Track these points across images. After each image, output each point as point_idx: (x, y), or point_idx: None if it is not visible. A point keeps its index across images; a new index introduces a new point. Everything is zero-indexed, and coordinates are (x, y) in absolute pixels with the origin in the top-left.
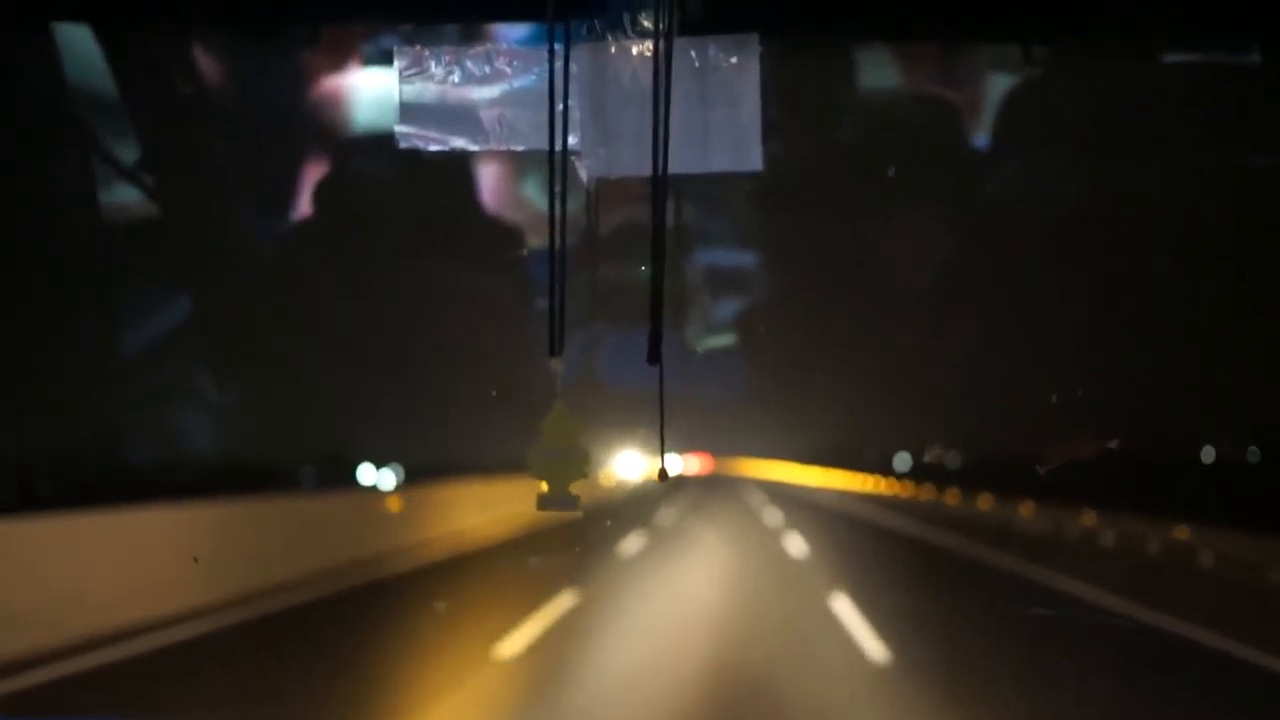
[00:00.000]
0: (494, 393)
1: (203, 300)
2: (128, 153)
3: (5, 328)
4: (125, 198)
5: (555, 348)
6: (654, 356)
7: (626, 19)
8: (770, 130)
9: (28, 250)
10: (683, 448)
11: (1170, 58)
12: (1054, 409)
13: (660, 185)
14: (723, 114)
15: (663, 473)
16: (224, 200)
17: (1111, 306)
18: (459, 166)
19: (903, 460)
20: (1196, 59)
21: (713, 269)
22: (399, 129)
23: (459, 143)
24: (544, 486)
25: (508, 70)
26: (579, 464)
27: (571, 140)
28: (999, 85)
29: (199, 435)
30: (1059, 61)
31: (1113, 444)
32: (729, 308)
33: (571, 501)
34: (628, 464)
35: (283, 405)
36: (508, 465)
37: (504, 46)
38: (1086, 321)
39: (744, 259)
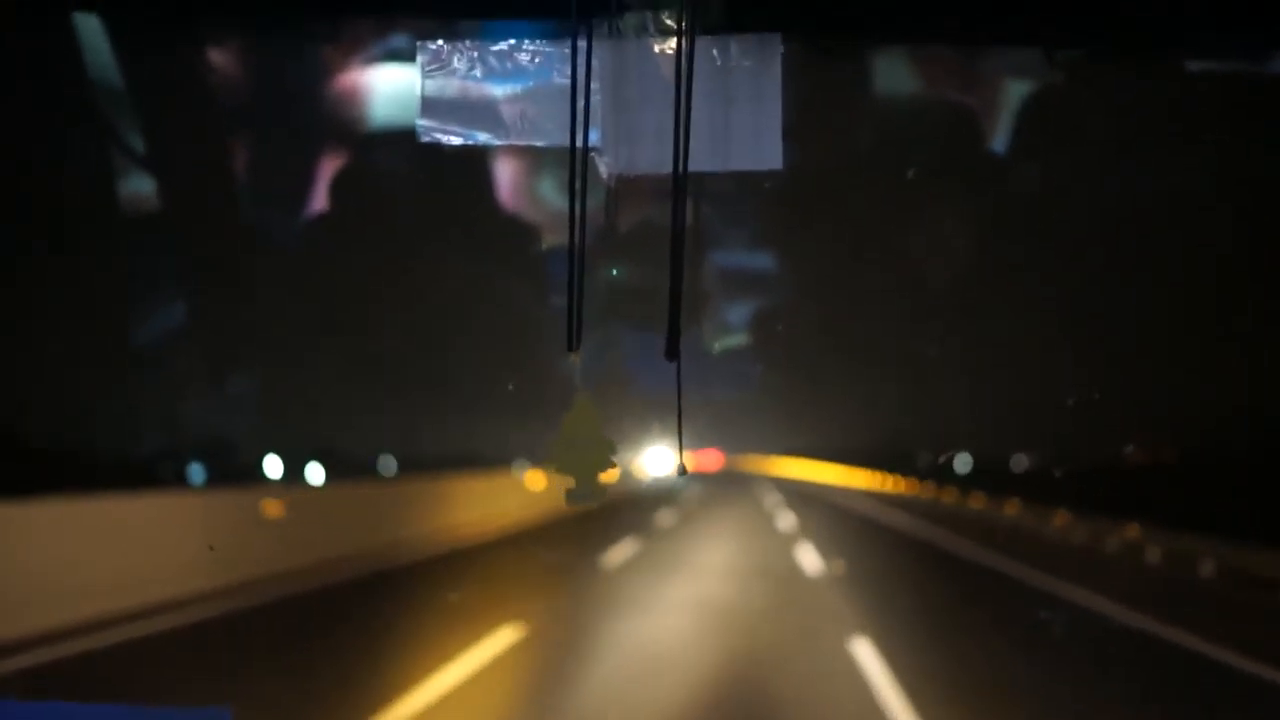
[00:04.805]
0: (511, 386)
1: (217, 294)
2: (146, 145)
3: (21, 316)
4: (143, 189)
5: (573, 343)
6: (672, 353)
7: (649, 17)
8: (789, 132)
9: (46, 239)
10: (695, 445)
11: (1192, 66)
12: (1068, 413)
13: (680, 183)
14: (744, 113)
15: (681, 467)
16: (241, 194)
17: (1130, 311)
18: (477, 164)
19: (909, 458)
20: (1218, 67)
21: (728, 271)
22: (420, 123)
23: (480, 137)
24: (571, 481)
25: (530, 67)
26: (605, 454)
27: (592, 137)
28: (1019, 90)
29: (213, 425)
30: (1079, 68)
31: (1129, 449)
32: (744, 309)
33: (600, 492)
34: (657, 460)
35: (295, 399)
36: (524, 456)
37: (526, 43)
38: (1102, 324)
39: (759, 261)
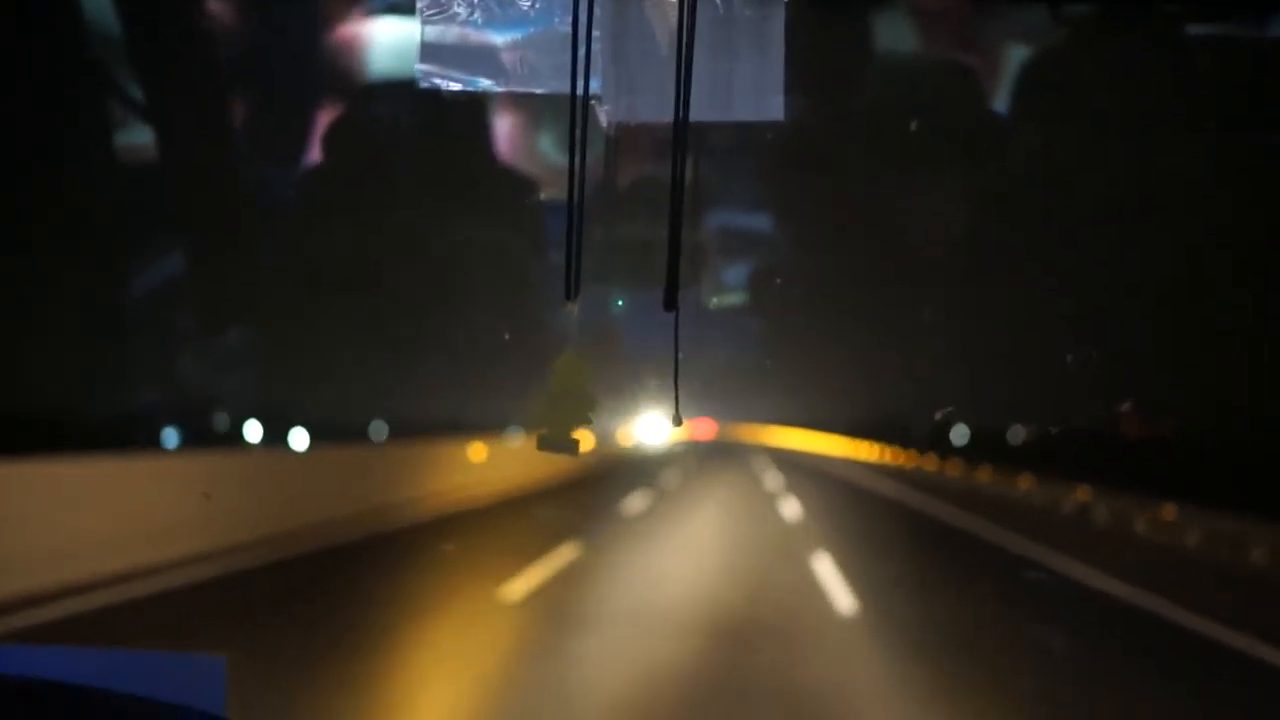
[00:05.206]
0: (507, 335)
1: (213, 248)
2: (144, 95)
3: (18, 274)
4: (141, 139)
5: (571, 292)
6: (670, 302)
7: None
8: (791, 85)
9: (44, 193)
10: (688, 414)
11: (1193, 30)
12: (1067, 379)
13: (681, 132)
14: (746, 62)
15: (677, 418)
16: (236, 146)
17: (1127, 280)
18: (476, 116)
19: (907, 429)
20: (1220, 31)
21: (725, 231)
22: (419, 68)
23: (480, 83)
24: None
25: (531, 13)
26: (584, 410)
27: (593, 85)
28: (1024, 47)
29: (209, 383)
30: (1084, 28)
31: (1126, 406)
32: (741, 270)
33: (572, 445)
34: (645, 427)
35: (292, 356)
36: (511, 424)
37: None
38: (1103, 291)
39: (756, 222)
